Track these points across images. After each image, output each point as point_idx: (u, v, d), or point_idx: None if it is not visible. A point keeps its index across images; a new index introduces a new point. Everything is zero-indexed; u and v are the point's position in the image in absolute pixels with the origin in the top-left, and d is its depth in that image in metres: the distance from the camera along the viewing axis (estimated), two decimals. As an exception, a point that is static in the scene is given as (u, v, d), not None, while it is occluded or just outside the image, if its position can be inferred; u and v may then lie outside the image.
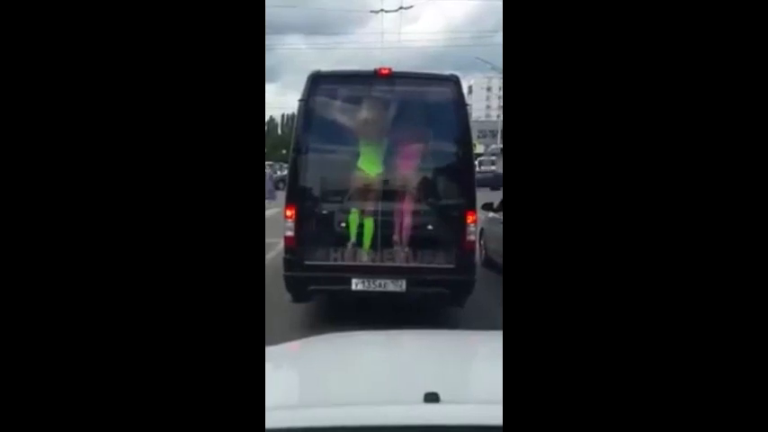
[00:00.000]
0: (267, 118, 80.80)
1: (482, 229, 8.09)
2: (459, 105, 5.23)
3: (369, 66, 5.31)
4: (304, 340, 2.03)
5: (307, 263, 5.09)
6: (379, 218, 5.14)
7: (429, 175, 5.38)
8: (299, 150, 5.18)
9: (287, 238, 5.13)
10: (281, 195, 5.34)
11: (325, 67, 5.64)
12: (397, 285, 5.02)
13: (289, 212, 5.10)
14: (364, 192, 5.20)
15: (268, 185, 17.44)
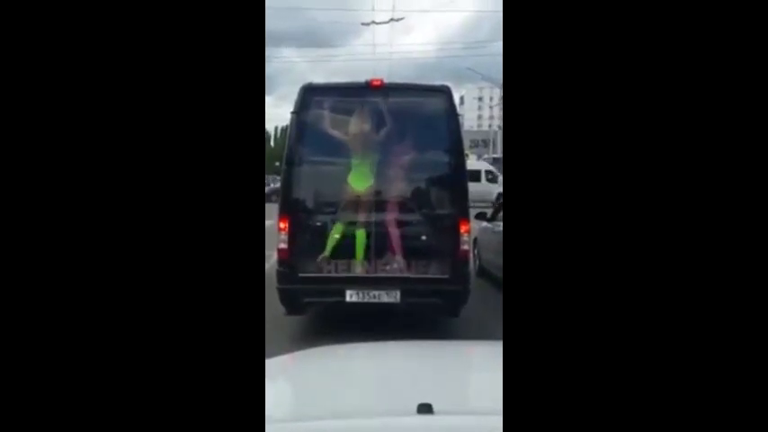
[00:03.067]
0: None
1: (476, 239, 8.10)
2: (451, 115, 5.26)
3: (362, 77, 5.33)
4: (298, 353, 2.02)
5: (300, 275, 5.07)
6: (373, 229, 5.14)
7: (422, 185, 5.41)
8: (291, 162, 5.18)
9: (280, 251, 5.12)
10: (273, 208, 5.32)
11: (320, 79, 5.66)
12: (391, 296, 5.01)
13: (282, 224, 5.09)
14: (357, 203, 5.21)
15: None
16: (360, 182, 5.18)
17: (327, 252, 5.10)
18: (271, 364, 1.79)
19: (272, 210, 5.25)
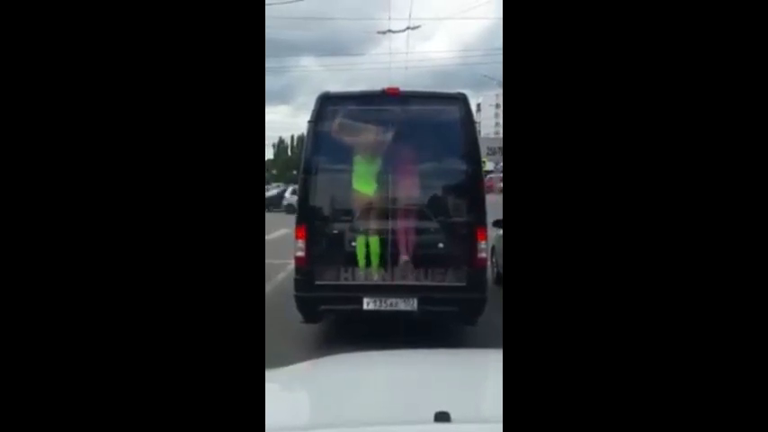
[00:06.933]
0: (277, 139, 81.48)
1: (493, 247, 8.06)
2: (468, 123, 5.25)
3: (381, 85, 5.34)
4: (314, 361, 2.03)
5: (317, 283, 5.09)
6: (390, 237, 5.14)
7: (439, 193, 5.40)
8: (308, 171, 5.21)
9: (297, 258, 5.15)
10: (272, 217, 5.37)
11: (338, 87, 5.69)
12: (408, 304, 5.00)
13: (299, 233, 5.11)
14: (374, 211, 5.21)
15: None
16: (364, 185, 5.18)
17: (364, 258, 5.10)
18: (287, 372, 1.80)
19: (272, 218, 5.26)
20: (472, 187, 5.24)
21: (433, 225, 5.26)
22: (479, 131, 6.51)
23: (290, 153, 76.69)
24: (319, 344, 5.30)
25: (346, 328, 5.48)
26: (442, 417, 1.10)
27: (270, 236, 9.04)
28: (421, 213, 5.25)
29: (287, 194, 27.48)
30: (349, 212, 5.29)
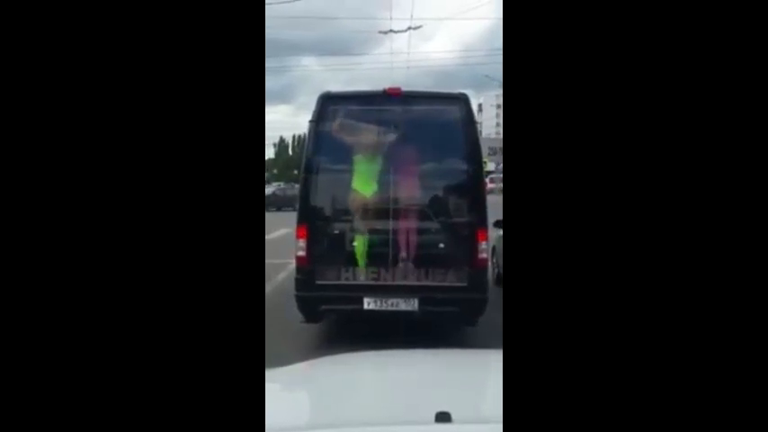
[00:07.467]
0: (278, 139, 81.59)
1: (494, 247, 8.05)
2: (469, 123, 5.26)
3: (382, 85, 5.34)
4: (314, 361, 2.03)
5: (318, 282, 5.09)
6: (391, 237, 5.14)
7: (440, 193, 5.39)
8: (309, 171, 5.21)
9: (298, 258, 5.15)
10: (272, 217, 5.37)
11: (339, 87, 5.69)
12: (409, 304, 5.01)
13: (300, 232, 5.12)
14: (375, 211, 5.21)
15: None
16: (365, 185, 5.19)
17: (365, 258, 5.10)
18: (287, 372, 1.80)
19: (272, 218, 5.25)
20: (473, 187, 5.24)
21: (433, 225, 5.26)
22: (480, 132, 6.51)
23: (290, 153, 76.79)
24: (319, 344, 5.30)
25: (346, 328, 5.48)
26: (442, 417, 1.10)
27: (270, 236, 9.05)
28: (422, 213, 5.25)
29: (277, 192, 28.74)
30: (350, 212, 5.29)
